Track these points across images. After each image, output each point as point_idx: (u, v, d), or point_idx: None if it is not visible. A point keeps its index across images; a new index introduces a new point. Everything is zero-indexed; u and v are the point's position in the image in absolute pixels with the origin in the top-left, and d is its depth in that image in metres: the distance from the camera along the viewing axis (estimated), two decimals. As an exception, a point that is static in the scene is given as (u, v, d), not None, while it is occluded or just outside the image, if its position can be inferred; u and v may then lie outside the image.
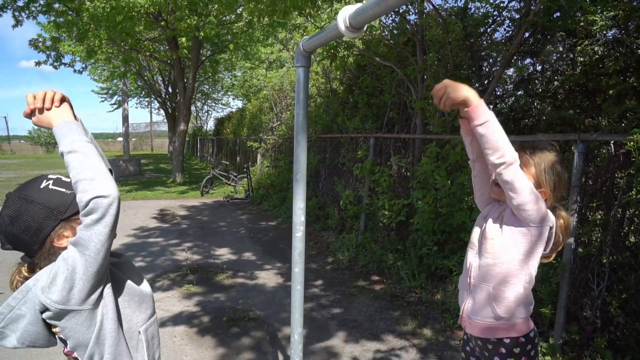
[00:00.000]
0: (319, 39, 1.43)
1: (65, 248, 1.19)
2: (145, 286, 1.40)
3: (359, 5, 1.13)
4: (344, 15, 1.17)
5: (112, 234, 1.17)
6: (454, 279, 4.22)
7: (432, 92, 1.51)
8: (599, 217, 3.44)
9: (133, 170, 18.03)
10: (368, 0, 1.07)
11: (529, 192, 1.49)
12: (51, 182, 1.24)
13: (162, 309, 4.26)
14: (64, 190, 1.24)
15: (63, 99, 1.27)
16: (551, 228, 1.59)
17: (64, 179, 1.27)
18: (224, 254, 6.19)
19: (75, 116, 1.29)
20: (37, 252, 1.23)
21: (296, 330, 1.78)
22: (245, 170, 11.97)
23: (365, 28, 1.19)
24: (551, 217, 1.58)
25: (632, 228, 3.51)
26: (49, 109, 1.23)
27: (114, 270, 1.31)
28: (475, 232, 1.77)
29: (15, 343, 1.19)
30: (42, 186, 1.22)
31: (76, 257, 1.13)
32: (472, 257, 1.74)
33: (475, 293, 1.69)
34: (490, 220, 1.69)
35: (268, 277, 5.19)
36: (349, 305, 4.38)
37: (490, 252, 1.64)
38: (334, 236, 6.85)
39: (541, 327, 3.45)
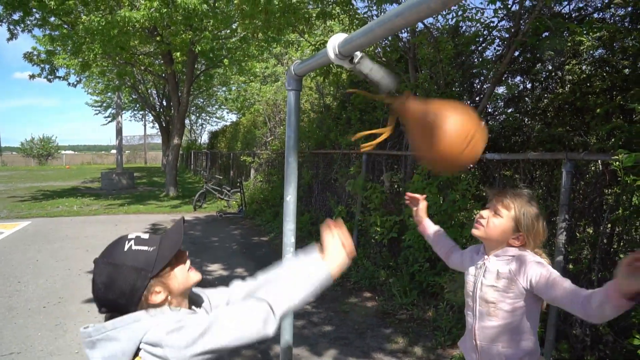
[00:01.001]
0: (309, 64, 1.46)
1: (158, 304, 1.23)
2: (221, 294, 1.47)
3: (346, 35, 1.17)
4: (334, 43, 1.20)
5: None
6: (446, 296, 4.23)
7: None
8: (587, 234, 3.47)
9: (126, 184, 17.96)
10: (356, 31, 1.10)
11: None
12: (132, 242, 1.25)
13: (153, 326, 4.23)
14: (146, 248, 1.25)
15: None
16: None
17: (142, 236, 1.28)
18: (215, 269, 6.17)
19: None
20: (133, 311, 1.23)
21: (286, 352, 1.79)
22: (238, 184, 11.96)
23: (359, 55, 1.22)
24: None
25: (620, 245, 3.55)
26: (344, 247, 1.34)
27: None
28: (469, 293, 1.82)
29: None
30: (125, 249, 1.23)
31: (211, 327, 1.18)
32: (472, 319, 1.80)
33: (484, 353, 1.74)
34: (484, 282, 1.75)
35: (260, 293, 5.17)
36: (341, 323, 4.37)
37: (494, 316, 1.70)
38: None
39: (532, 345, 3.46)
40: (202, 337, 1.14)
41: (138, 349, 1.16)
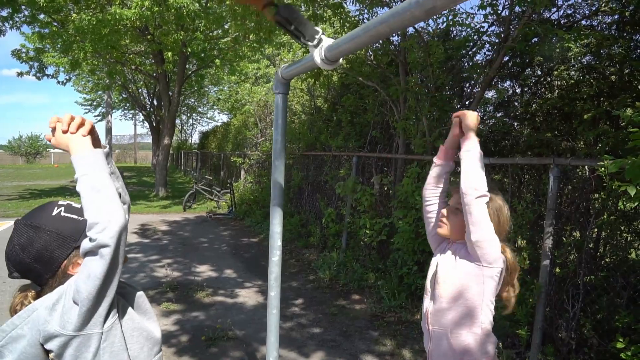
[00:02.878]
0: (296, 68, 1.46)
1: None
2: (155, 328, 1.35)
3: (333, 40, 1.17)
4: (320, 49, 1.21)
5: (115, 263, 1.13)
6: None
7: (454, 114, 1.68)
8: (573, 239, 3.51)
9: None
10: (341, 37, 1.11)
11: (491, 231, 1.55)
12: (62, 209, 1.21)
13: (140, 328, 4.20)
14: (76, 217, 1.21)
15: (91, 131, 1.26)
16: (502, 270, 1.64)
17: (74, 205, 1.25)
18: (204, 270, 6.14)
19: (101, 145, 1.29)
20: (47, 280, 1.20)
21: (272, 354, 1.78)
22: (228, 185, 11.93)
23: (340, 61, 1.23)
24: (502, 259, 1.63)
25: (606, 249, 3.59)
26: (73, 133, 1.22)
27: (124, 302, 1.27)
28: (428, 277, 1.80)
29: None
30: (53, 214, 1.19)
31: (80, 282, 1.11)
32: (427, 303, 1.78)
33: (435, 339, 1.71)
34: (441, 264, 1.74)
35: (248, 295, 5.16)
36: (329, 325, 4.37)
37: (443, 297, 1.67)
38: (316, 254, 6.84)
39: (518, 348, 3.49)
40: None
41: (46, 333, 1.12)
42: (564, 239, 3.58)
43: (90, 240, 1.10)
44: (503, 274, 1.65)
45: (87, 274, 1.10)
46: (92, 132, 1.27)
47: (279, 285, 1.75)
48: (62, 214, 1.20)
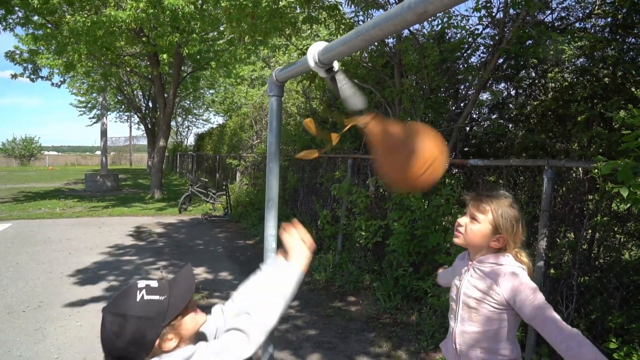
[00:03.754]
0: (290, 71, 1.46)
1: (172, 349, 1.25)
2: None
3: (327, 43, 1.18)
4: (314, 52, 1.21)
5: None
6: (429, 300, 4.26)
7: None
8: (567, 240, 3.53)
9: (110, 186, 17.77)
10: (334, 40, 1.11)
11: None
12: (144, 292, 1.26)
13: (135, 331, 4.19)
14: (158, 297, 1.26)
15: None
16: None
17: (152, 285, 1.29)
18: (200, 273, 6.12)
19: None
20: (144, 359, 1.25)
21: (267, 357, 1.78)
22: (224, 187, 11.91)
23: (336, 66, 1.23)
24: None
25: (600, 250, 3.61)
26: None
27: None
28: (453, 297, 1.83)
29: None
30: (137, 299, 1.24)
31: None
32: (453, 323, 1.81)
33: (463, 358, 1.75)
34: (465, 288, 1.76)
35: (244, 297, 5.15)
36: (325, 327, 4.37)
37: (475, 321, 1.71)
38: (311, 256, 6.84)
39: (513, 349, 3.50)
40: None
41: None
42: (558, 240, 3.60)
43: (248, 326, 1.27)
44: None
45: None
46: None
47: (273, 287, 1.75)
48: (145, 297, 1.25)
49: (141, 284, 1.29)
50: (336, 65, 1.21)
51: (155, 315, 1.23)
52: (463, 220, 1.76)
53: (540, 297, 1.57)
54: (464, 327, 1.74)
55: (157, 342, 1.24)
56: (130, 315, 1.21)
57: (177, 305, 1.27)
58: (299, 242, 1.46)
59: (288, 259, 1.43)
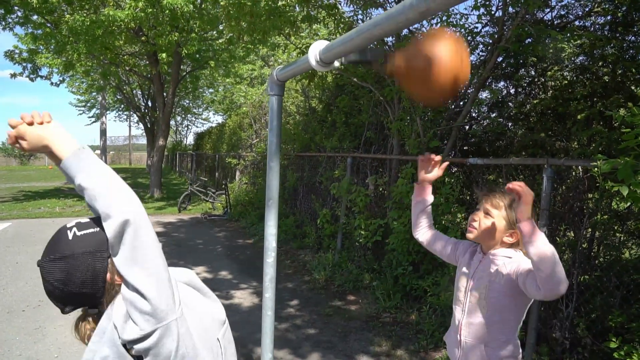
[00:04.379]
0: (291, 69, 1.46)
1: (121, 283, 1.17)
2: (209, 293, 1.38)
3: (328, 42, 1.17)
4: (315, 51, 1.21)
5: (150, 234, 1.14)
6: (429, 299, 4.26)
7: (515, 187, 1.47)
8: (567, 239, 3.53)
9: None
10: (335, 39, 1.11)
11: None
12: (75, 229, 1.18)
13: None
14: (92, 230, 1.18)
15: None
16: None
17: (82, 220, 1.22)
18: (199, 272, 6.12)
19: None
20: (100, 299, 1.18)
21: (267, 356, 1.78)
22: (223, 186, 11.90)
23: (336, 64, 1.23)
24: None
25: (600, 249, 3.61)
26: (40, 123, 1.15)
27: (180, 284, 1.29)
28: (461, 288, 1.83)
29: None
30: (70, 238, 1.16)
31: (132, 277, 1.10)
32: (459, 314, 1.81)
33: (467, 350, 1.76)
34: (477, 279, 1.77)
35: (244, 297, 5.15)
36: (324, 326, 4.36)
37: (482, 313, 1.72)
38: (311, 255, 6.84)
39: (513, 348, 3.50)
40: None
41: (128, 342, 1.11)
42: (558, 239, 3.59)
43: (112, 224, 1.09)
44: None
45: (132, 263, 1.10)
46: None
47: (273, 287, 1.74)
48: (78, 233, 1.17)
49: (70, 223, 1.20)
50: (337, 63, 1.21)
51: (96, 248, 1.15)
52: (477, 215, 1.78)
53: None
54: (471, 318, 1.75)
55: (108, 276, 1.16)
56: (69, 256, 1.13)
57: None
58: (33, 130, 1.15)
59: (61, 157, 1.16)
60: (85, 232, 1.17)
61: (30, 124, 1.16)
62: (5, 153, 48.53)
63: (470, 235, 1.79)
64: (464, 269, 1.84)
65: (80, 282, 1.13)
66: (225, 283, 5.64)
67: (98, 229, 1.18)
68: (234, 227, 9.85)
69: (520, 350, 1.76)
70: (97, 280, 1.15)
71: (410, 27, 5.21)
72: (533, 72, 4.95)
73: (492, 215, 1.73)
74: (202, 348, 1.24)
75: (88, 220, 1.21)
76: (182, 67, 16.01)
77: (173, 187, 19.62)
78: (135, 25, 11.90)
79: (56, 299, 1.16)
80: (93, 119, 36.38)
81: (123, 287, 1.13)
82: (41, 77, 15.39)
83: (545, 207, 3.26)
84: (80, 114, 36.41)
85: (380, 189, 5.87)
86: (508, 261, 1.70)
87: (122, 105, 34.36)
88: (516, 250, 1.73)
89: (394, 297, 4.73)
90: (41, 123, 1.16)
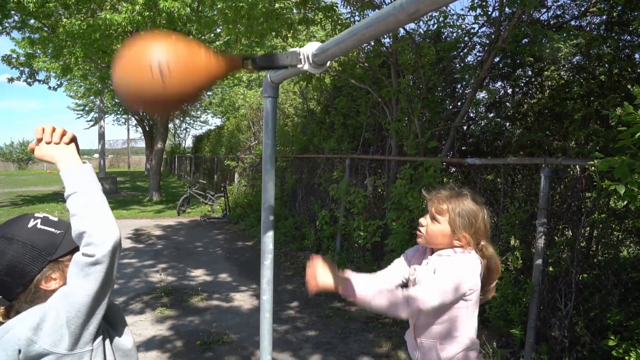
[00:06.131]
0: (285, 72, 1.46)
1: (52, 290, 1.14)
2: (128, 340, 1.32)
3: (320, 44, 1.17)
4: (307, 52, 1.21)
5: (109, 281, 1.12)
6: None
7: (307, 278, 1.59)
8: (565, 238, 3.53)
9: (109, 189, 17.74)
10: (327, 41, 1.11)
11: (432, 296, 1.55)
12: (39, 221, 1.17)
13: (135, 333, 4.17)
14: (52, 230, 1.17)
15: (72, 140, 1.22)
16: (475, 289, 1.66)
17: (51, 218, 1.21)
18: (199, 275, 6.12)
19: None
20: (18, 295, 1.14)
21: (266, 358, 1.78)
22: (222, 189, 11.90)
23: (328, 64, 1.23)
24: (469, 283, 1.62)
25: (598, 247, 3.62)
26: (57, 143, 1.18)
27: (107, 316, 1.24)
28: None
29: None
30: (29, 225, 1.15)
31: (71, 299, 1.08)
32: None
33: (423, 350, 1.74)
34: (420, 279, 1.75)
35: (243, 299, 5.15)
36: (324, 328, 4.36)
37: (429, 312, 1.67)
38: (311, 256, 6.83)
39: (512, 348, 3.50)
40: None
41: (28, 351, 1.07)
42: (556, 238, 3.60)
43: (84, 255, 1.07)
44: (479, 289, 1.67)
45: (80, 292, 1.08)
46: (75, 144, 1.24)
47: (271, 289, 1.74)
48: (39, 226, 1.16)
49: (39, 214, 1.20)
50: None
51: (44, 247, 1.13)
52: (424, 220, 1.75)
53: (435, 280, 1.60)
54: (423, 319, 1.72)
55: (38, 277, 1.13)
56: (15, 240, 1.11)
57: (72, 243, 1.14)
58: (47, 148, 1.18)
59: (61, 170, 1.17)
60: (45, 228, 1.16)
61: (40, 140, 1.19)
62: (3, 158, 48.51)
63: (419, 240, 1.77)
64: (413, 270, 1.82)
65: (6, 268, 1.11)
66: (225, 285, 5.64)
67: (60, 232, 1.17)
68: (233, 230, 9.84)
69: (478, 342, 1.73)
70: (23, 275, 1.12)
71: (407, 28, 5.22)
72: (530, 72, 4.96)
73: (438, 220, 1.69)
74: None
75: (57, 220, 1.20)
76: (180, 70, 15.97)
77: (172, 190, 19.61)
78: (133, 29, 11.90)
79: None
80: (91, 123, 36.37)
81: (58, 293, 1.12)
82: (39, 81, 15.41)
83: (543, 206, 3.26)
84: (78, 118, 36.38)
85: (379, 190, 5.87)
86: (440, 260, 1.69)
87: (121, 109, 34.38)
88: (464, 251, 1.68)
89: (393, 298, 4.73)
90: (49, 142, 1.18)
